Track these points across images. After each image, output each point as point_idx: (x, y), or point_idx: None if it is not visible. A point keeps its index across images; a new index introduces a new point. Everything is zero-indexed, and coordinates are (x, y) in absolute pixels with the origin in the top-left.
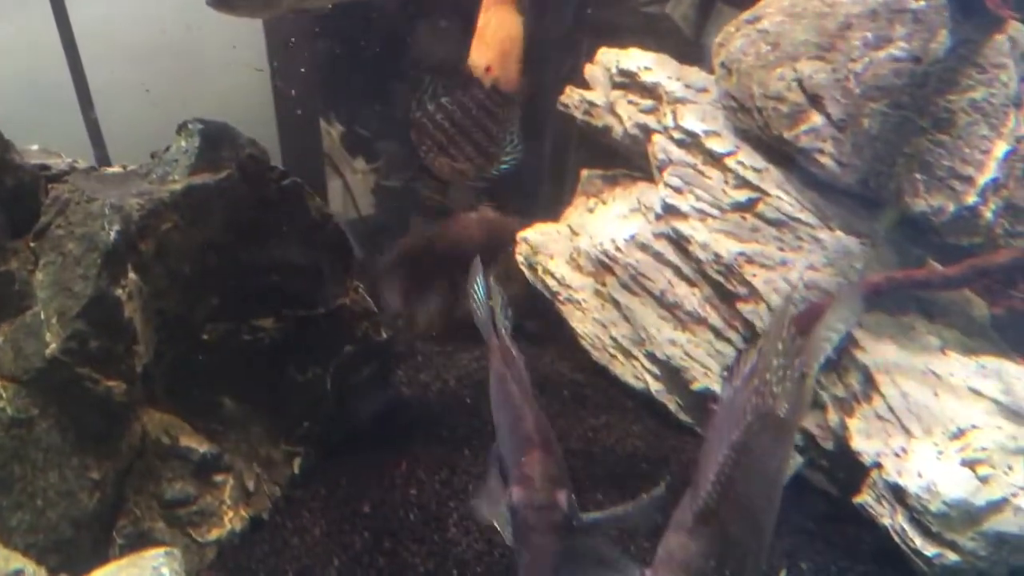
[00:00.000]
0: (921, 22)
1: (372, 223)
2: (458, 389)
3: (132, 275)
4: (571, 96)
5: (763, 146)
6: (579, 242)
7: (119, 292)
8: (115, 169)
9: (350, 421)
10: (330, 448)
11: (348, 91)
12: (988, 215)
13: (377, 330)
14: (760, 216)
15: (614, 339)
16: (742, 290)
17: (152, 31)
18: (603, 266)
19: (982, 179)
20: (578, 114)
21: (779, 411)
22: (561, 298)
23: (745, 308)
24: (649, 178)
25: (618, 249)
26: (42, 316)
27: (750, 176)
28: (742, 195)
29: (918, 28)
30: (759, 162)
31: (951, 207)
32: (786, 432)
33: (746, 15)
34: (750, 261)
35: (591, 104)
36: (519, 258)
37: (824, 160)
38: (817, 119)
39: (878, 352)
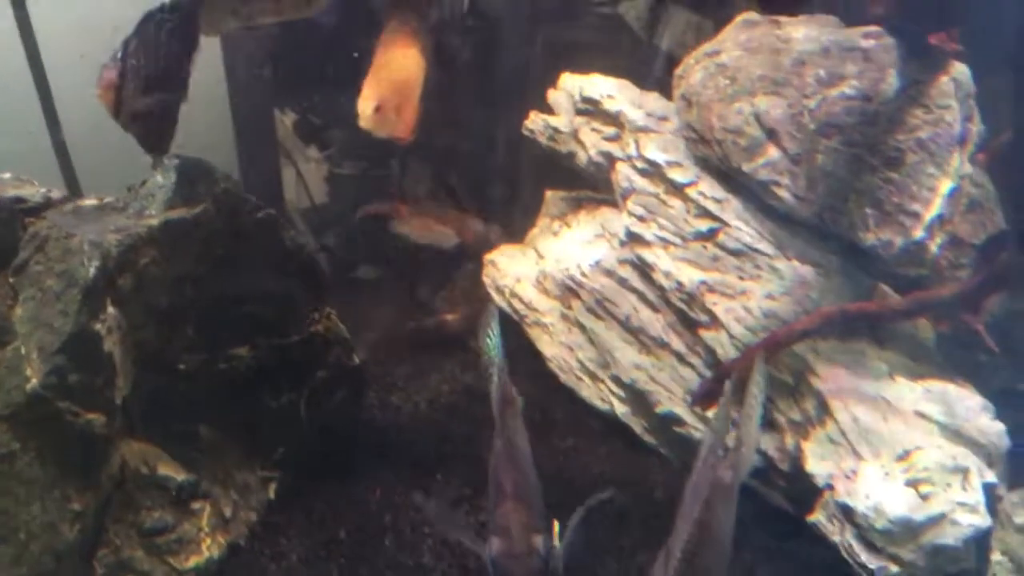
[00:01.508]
0: (871, 60)
1: (326, 212)
2: (429, 413)
3: (111, 309)
4: (535, 122)
5: (723, 176)
6: (545, 266)
7: (98, 327)
8: (91, 202)
9: (324, 445)
10: (305, 472)
11: (300, 79)
12: (934, 249)
13: (349, 355)
14: (721, 246)
15: (581, 362)
16: (704, 318)
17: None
18: (569, 290)
19: (928, 215)
20: (543, 140)
21: (726, 478)
22: (528, 321)
23: (707, 335)
24: (612, 202)
25: (583, 274)
26: (22, 351)
27: (711, 206)
28: (703, 225)
29: (868, 67)
30: (719, 192)
31: (899, 241)
32: (733, 493)
33: (705, 48)
34: (711, 290)
35: (555, 130)
36: (486, 280)
37: (781, 193)
38: (774, 153)
39: (832, 378)
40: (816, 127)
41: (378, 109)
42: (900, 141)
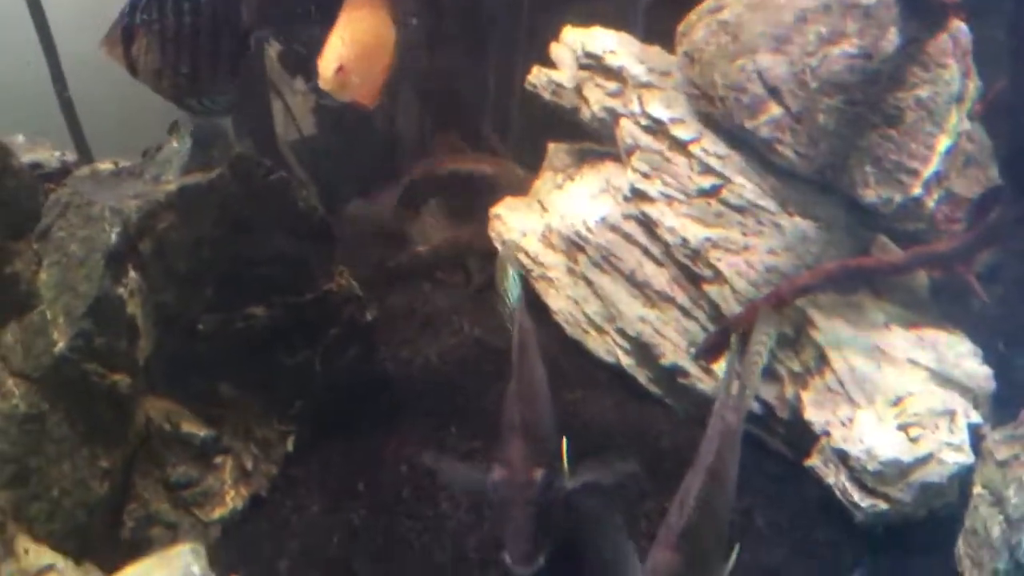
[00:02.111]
0: (872, 17)
1: (314, 144)
2: (440, 366)
3: (133, 274)
4: (538, 76)
5: (725, 133)
6: (550, 220)
7: (121, 291)
8: (107, 166)
9: (339, 399)
10: (322, 426)
11: (284, 7)
12: (931, 204)
13: (361, 312)
14: (724, 202)
15: (587, 315)
16: (708, 273)
17: None
18: (575, 245)
19: (926, 172)
20: (545, 95)
21: (732, 423)
22: (535, 275)
23: (711, 290)
24: (616, 156)
25: (589, 229)
26: (48, 316)
27: (713, 163)
28: (707, 181)
29: (869, 24)
30: (722, 149)
31: (898, 198)
32: (737, 437)
33: (708, 4)
34: (715, 246)
35: (559, 85)
36: (492, 233)
37: (783, 150)
38: (776, 110)
39: (830, 330)
40: (818, 85)
41: (339, 71)
42: (900, 99)
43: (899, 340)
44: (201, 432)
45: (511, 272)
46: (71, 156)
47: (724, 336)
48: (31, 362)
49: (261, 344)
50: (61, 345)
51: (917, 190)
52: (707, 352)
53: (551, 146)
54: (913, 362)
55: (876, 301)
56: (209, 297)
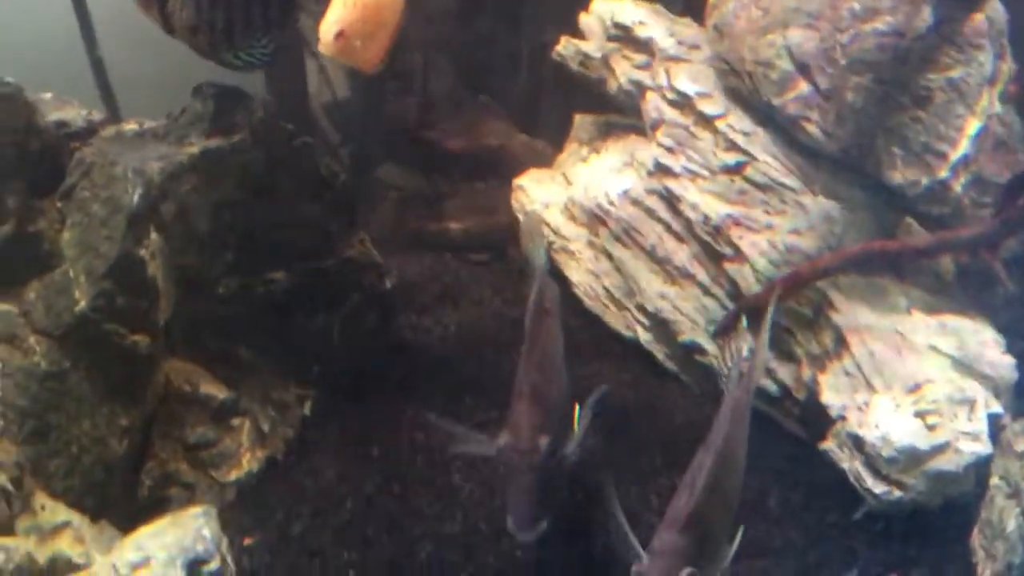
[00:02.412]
0: None
1: (348, 107)
2: (459, 335)
3: (154, 235)
4: (566, 47)
5: (752, 109)
6: (573, 192)
7: (142, 252)
8: (132, 127)
9: (357, 365)
10: (339, 392)
11: None
12: (958, 188)
13: (381, 280)
14: (748, 179)
15: (607, 289)
16: (728, 250)
17: None
18: (596, 218)
19: (954, 155)
20: (573, 65)
21: (741, 400)
22: (556, 247)
23: (731, 268)
24: (642, 129)
25: (611, 203)
26: (71, 274)
27: (739, 140)
28: (731, 158)
29: (903, 1)
30: (748, 125)
31: (924, 180)
32: (746, 411)
33: None
34: (737, 223)
35: (586, 56)
36: (515, 204)
37: (810, 128)
38: (805, 87)
39: (851, 313)
40: (847, 63)
41: (340, 35)
42: (930, 80)
43: (921, 325)
44: (220, 394)
45: (536, 238)
46: (98, 115)
47: (739, 314)
48: (53, 320)
49: (280, 308)
50: (83, 304)
51: (944, 173)
52: (726, 331)
53: (577, 118)
54: (934, 348)
55: (899, 285)
56: (230, 260)
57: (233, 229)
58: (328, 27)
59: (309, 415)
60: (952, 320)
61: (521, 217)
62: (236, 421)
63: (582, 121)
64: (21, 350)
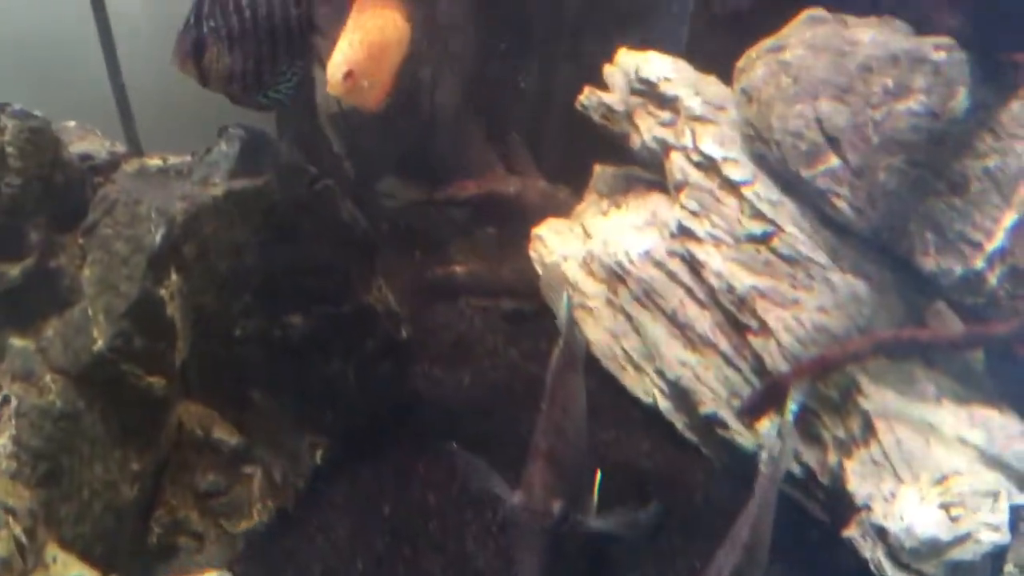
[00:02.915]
0: (941, 75)
1: (353, 119)
2: (472, 390)
3: (175, 276)
4: (589, 98)
5: (779, 178)
6: (592, 247)
7: (162, 292)
8: (155, 162)
9: (370, 415)
10: (351, 442)
11: None
12: (992, 280)
13: (397, 328)
14: (774, 251)
15: (625, 351)
16: (753, 323)
17: None
18: (616, 276)
19: (990, 246)
20: (596, 116)
21: (769, 490)
22: (574, 302)
23: (756, 341)
24: (663, 186)
25: (632, 262)
26: (89, 312)
27: (765, 209)
28: (757, 227)
29: (937, 81)
30: (775, 194)
31: (958, 270)
32: (772, 502)
33: (768, 43)
34: (763, 296)
35: (609, 108)
36: (533, 254)
37: (840, 204)
38: (835, 161)
39: (879, 399)
40: (880, 141)
41: (349, 76)
42: (966, 167)
43: (950, 416)
44: (232, 439)
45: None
46: (121, 147)
47: (769, 395)
48: (70, 358)
49: (296, 353)
50: (100, 343)
51: (979, 264)
52: (751, 411)
53: (597, 168)
54: (963, 440)
55: (928, 371)
56: (248, 303)
57: (253, 271)
58: (336, 67)
59: (321, 465)
60: (981, 411)
61: (540, 269)
62: (248, 469)
63: (602, 172)
64: (37, 388)
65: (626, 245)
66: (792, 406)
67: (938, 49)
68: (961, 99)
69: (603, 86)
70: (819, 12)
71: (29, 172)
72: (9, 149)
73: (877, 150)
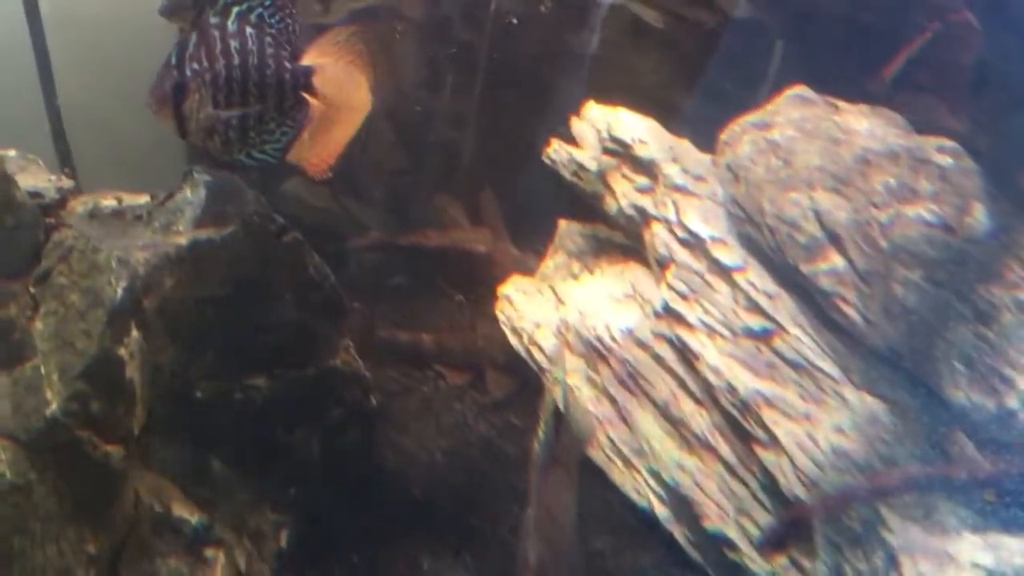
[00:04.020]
0: (949, 182)
1: None
2: (445, 465)
3: (135, 333)
4: (558, 152)
5: (773, 267)
6: (567, 315)
7: (122, 351)
8: (109, 202)
9: (336, 490)
10: (316, 520)
11: None
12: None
13: (366, 395)
14: (777, 352)
15: (611, 440)
16: (761, 434)
17: None
18: (596, 352)
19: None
20: (566, 173)
21: None
22: (550, 377)
23: (765, 456)
24: (638, 253)
25: (613, 339)
26: (42, 371)
27: (762, 302)
28: (755, 322)
29: (945, 188)
30: (771, 286)
31: (991, 407)
32: None
33: (752, 117)
34: (770, 404)
35: (580, 166)
36: (501, 316)
37: (848, 310)
38: (838, 261)
39: (903, 534)
40: (891, 248)
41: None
42: (995, 295)
43: (967, 545)
44: (193, 517)
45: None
46: (66, 181)
47: (792, 528)
48: (20, 422)
49: (258, 418)
50: (54, 407)
51: (1014, 404)
52: (772, 544)
53: (562, 224)
54: (976, 565)
55: (949, 503)
56: (209, 362)
57: (215, 328)
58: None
59: (285, 547)
60: (995, 538)
61: (509, 334)
62: (210, 553)
63: (568, 229)
64: None
65: (606, 319)
66: None
67: (942, 152)
68: (979, 216)
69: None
70: (806, 91)
71: None
72: None
73: (889, 259)
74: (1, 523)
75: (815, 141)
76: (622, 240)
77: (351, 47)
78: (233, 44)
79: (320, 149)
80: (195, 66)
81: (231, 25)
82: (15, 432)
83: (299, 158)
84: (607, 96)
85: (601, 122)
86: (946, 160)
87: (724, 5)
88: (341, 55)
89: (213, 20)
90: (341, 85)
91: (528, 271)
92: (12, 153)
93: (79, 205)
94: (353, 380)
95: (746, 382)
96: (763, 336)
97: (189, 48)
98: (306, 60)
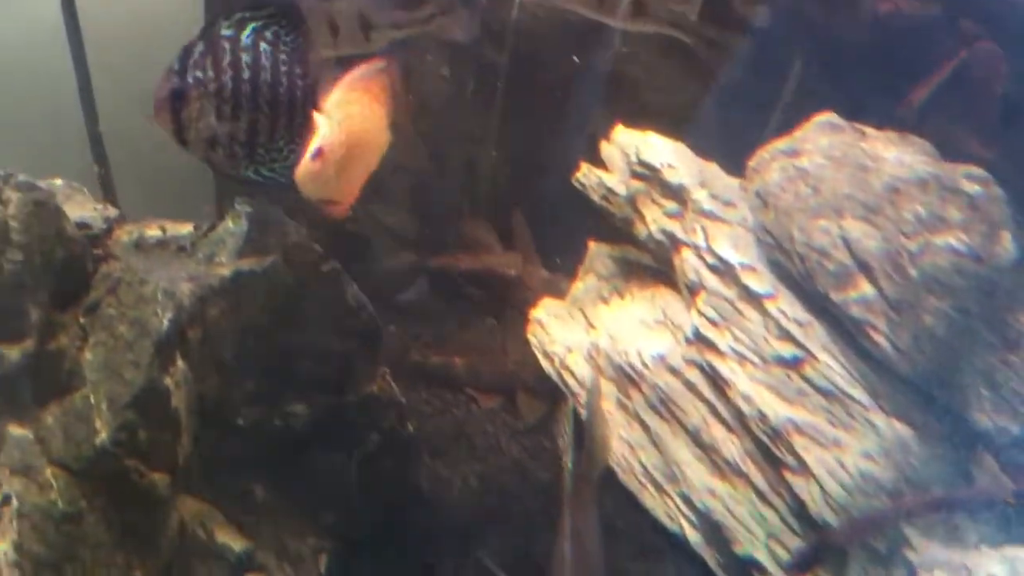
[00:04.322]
0: (978, 211)
1: None
2: (481, 492)
3: (180, 363)
4: (588, 176)
5: (804, 294)
6: (598, 339)
7: (168, 381)
8: (154, 232)
9: (374, 515)
10: (354, 545)
11: None
12: None
13: (403, 421)
14: (807, 379)
15: (643, 466)
16: (791, 460)
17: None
18: (627, 377)
19: None
20: (595, 197)
21: None
22: (582, 401)
23: (795, 482)
24: (668, 277)
25: (645, 364)
26: (92, 400)
27: (793, 329)
28: (786, 350)
29: (975, 217)
30: (801, 313)
31: (1015, 430)
32: None
33: (781, 144)
34: (800, 431)
35: (610, 190)
36: (532, 340)
37: (878, 338)
38: (868, 289)
39: (926, 552)
40: (920, 277)
41: (319, 155)
42: (1021, 323)
43: (984, 559)
44: (236, 544)
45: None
46: (112, 210)
47: (820, 553)
48: (71, 451)
49: (297, 445)
50: (104, 436)
51: None
52: (800, 568)
53: (592, 247)
54: None
55: (971, 521)
56: (251, 390)
57: (256, 356)
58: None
59: (324, 572)
60: (1011, 551)
61: (541, 358)
62: None
63: (598, 251)
64: (37, 484)
65: (637, 344)
66: None
67: (970, 180)
68: (1007, 245)
69: (599, 162)
70: (834, 117)
71: (32, 247)
72: (13, 223)
73: (919, 288)
74: (53, 550)
75: (844, 168)
76: (651, 263)
77: (376, 83)
78: (245, 58)
79: (343, 187)
80: (199, 74)
81: (245, 39)
82: (66, 461)
83: (316, 189)
84: (637, 115)
85: (630, 146)
86: (974, 188)
87: (753, 29)
88: (365, 92)
89: (227, 32)
90: (364, 122)
91: (559, 293)
92: (59, 182)
93: (124, 234)
94: (390, 406)
95: (777, 409)
96: (794, 364)
97: (194, 55)
98: (330, 97)
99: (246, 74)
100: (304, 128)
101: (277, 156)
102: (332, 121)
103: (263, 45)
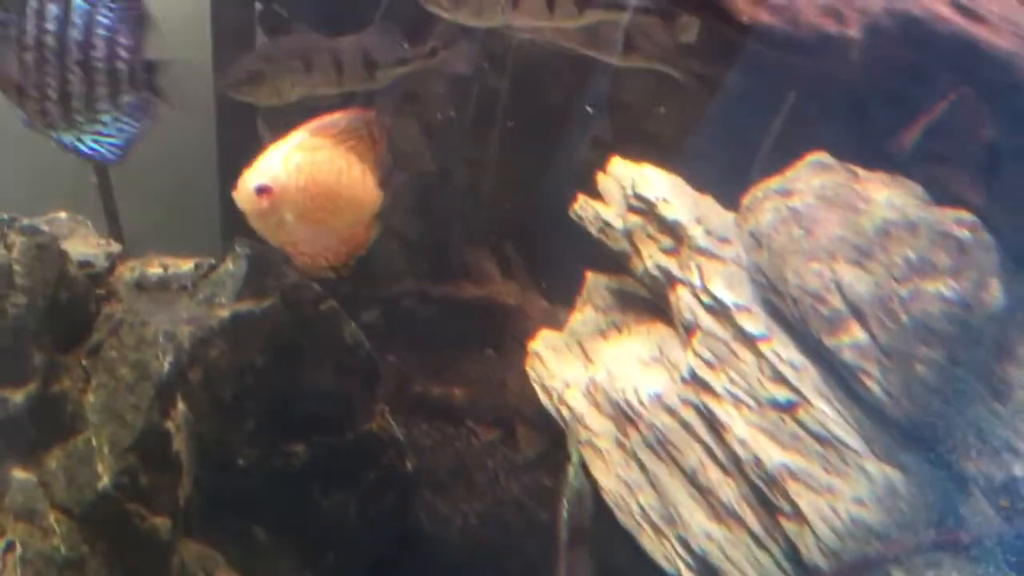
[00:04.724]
0: (968, 255)
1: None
2: (480, 530)
3: (181, 405)
4: (585, 209)
5: (797, 336)
6: (596, 374)
7: (169, 424)
8: (155, 271)
9: (372, 555)
10: None
11: None
12: None
13: (401, 460)
14: (801, 424)
15: (641, 507)
16: (786, 506)
17: None
18: (624, 416)
19: None
20: (592, 230)
21: None
22: (581, 438)
23: (789, 527)
24: (664, 313)
25: (641, 403)
26: (94, 443)
27: (787, 373)
28: (780, 394)
29: (964, 263)
30: (795, 356)
31: (1000, 476)
32: None
33: (774, 184)
34: (794, 477)
35: (607, 224)
36: (531, 372)
37: (870, 384)
38: (861, 335)
39: None
40: (911, 323)
41: (263, 192)
42: (1008, 374)
43: None
44: None
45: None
46: (115, 245)
47: None
48: (74, 495)
49: (296, 484)
50: (105, 480)
51: (1019, 472)
52: None
53: (590, 277)
54: None
55: (955, 559)
56: (250, 430)
57: (255, 396)
58: (250, 175)
59: None
60: None
61: (539, 391)
62: None
63: (596, 283)
64: (41, 529)
65: (633, 381)
66: None
67: (960, 225)
68: (995, 293)
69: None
70: (825, 157)
71: (35, 291)
72: (16, 267)
73: (910, 336)
74: None
75: (835, 210)
76: (648, 296)
77: (355, 136)
78: (53, 9)
79: (310, 238)
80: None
81: None
82: (68, 505)
83: (282, 241)
84: (633, 145)
85: (626, 178)
86: (964, 233)
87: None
88: (341, 142)
89: None
90: (337, 174)
91: (557, 324)
92: (63, 215)
93: (126, 271)
94: (388, 444)
95: (772, 454)
96: (788, 408)
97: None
98: (290, 136)
99: (53, 26)
100: (138, 110)
101: (102, 129)
102: (288, 162)
103: (78, 2)
